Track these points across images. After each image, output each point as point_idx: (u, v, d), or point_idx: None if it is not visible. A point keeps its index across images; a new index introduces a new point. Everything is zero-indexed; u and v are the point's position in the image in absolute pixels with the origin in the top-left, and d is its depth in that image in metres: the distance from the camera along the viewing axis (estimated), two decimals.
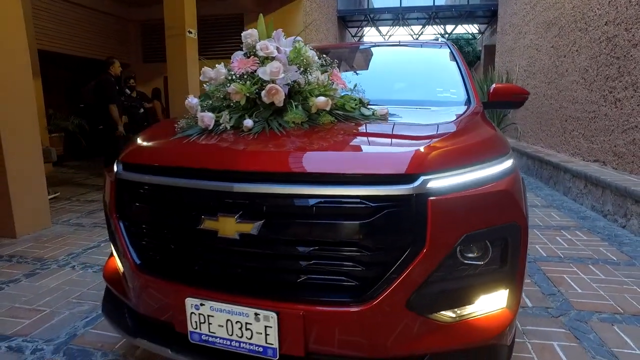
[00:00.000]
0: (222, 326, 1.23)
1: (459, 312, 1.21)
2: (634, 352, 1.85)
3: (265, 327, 1.18)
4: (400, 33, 17.20)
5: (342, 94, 1.58)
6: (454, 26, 15.84)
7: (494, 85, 2.24)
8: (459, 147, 1.29)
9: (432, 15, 14.96)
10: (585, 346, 1.88)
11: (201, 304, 1.24)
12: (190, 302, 1.25)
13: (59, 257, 3.09)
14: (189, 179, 1.27)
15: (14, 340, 1.98)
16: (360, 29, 16.41)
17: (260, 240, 1.18)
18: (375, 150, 1.30)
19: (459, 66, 2.44)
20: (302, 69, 1.54)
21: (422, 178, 1.14)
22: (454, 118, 1.69)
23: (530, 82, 7.97)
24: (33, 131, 3.81)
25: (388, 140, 1.41)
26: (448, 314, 1.20)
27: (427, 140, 1.28)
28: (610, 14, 4.83)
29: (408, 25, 15.80)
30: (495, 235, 1.20)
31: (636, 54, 4.24)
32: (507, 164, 1.31)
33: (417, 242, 1.12)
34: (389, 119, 1.57)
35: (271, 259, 1.23)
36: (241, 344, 1.22)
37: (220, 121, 1.44)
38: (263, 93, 1.42)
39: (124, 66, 7.82)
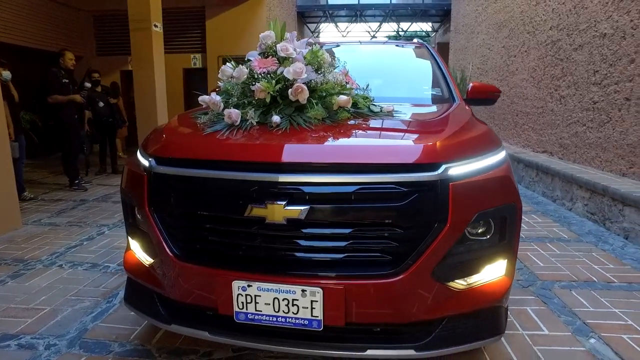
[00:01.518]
0: (269, 304, 1.36)
1: (468, 280, 1.41)
2: (588, 309, 2.20)
3: (312, 301, 1.32)
4: (358, 29, 17.59)
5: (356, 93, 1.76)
6: (409, 24, 16.43)
7: (471, 84, 2.51)
8: (468, 140, 1.53)
9: (388, 13, 15.44)
10: (552, 309, 2.21)
11: (248, 286, 1.36)
12: (237, 285, 1.36)
13: (41, 257, 3.03)
14: (235, 171, 1.37)
15: (22, 338, 1.99)
16: (318, 24, 16.58)
17: (306, 224, 1.33)
18: (403, 143, 1.48)
19: (439, 65, 2.70)
20: (315, 68, 1.70)
21: (444, 166, 1.34)
22: (456, 115, 1.91)
23: (483, 79, 8.55)
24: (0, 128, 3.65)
25: (409, 133, 1.61)
26: (461, 282, 1.40)
27: (443, 134, 1.50)
28: (554, 20, 5.35)
29: (365, 22, 16.20)
30: (498, 214, 1.41)
31: (577, 57, 4.76)
32: (503, 153, 1.56)
33: (441, 220, 1.31)
34: (395, 115, 1.77)
35: (316, 240, 1.36)
36: (287, 319, 1.36)
37: (247, 117, 1.56)
38: (290, 91, 1.56)
39: (77, 59, 7.46)
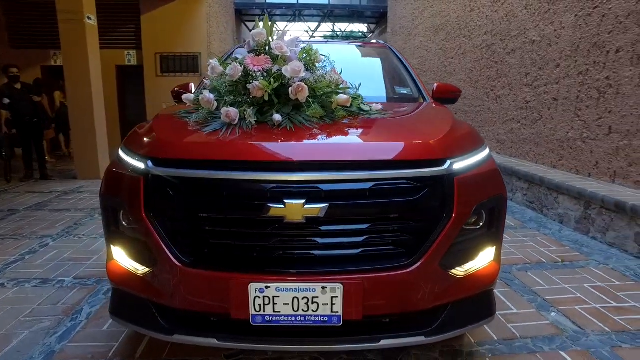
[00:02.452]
0: (288, 304, 1.34)
1: (466, 267, 1.49)
2: (545, 287, 2.45)
3: (332, 297, 1.33)
4: (297, 29, 17.64)
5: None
6: (347, 24, 16.84)
7: (436, 84, 2.66)
8: (463, 136, 1.64)
9: (327, 13, 15.68)
10: (515, 289, 2.43)
11: (266, 287, 1.33)
12: (254, 287, 1.33)
13: None
14: (251, 171, 1.34)
15: None
16: (256, 23, 16.35)
17: (325, 221, 1.34)
18: (413, 140, 1.52)
19: (405, 65, 2.82)
20: (308, 67, 1.70)
21: (449, 161, 1.43)
22: (443, 113, 2.02)
23: (422, 79, 9.02)
24: None
25: (411, 131, 1.68)
26: (460, 270, 1.48)
27: (444, 131, 1.59)
28: (488, 26, 5.82)
29: (304, 21, 16.31)
30: (489, 205, 1.51)
31: (510, 60, 5.22)
32: (487, 149, 1.69)
33: (448, 212, 1.39)
34: (385, 113, 1.83)
35: (334, 237, 1.38)
36: (306, 317, 1.35)
37: (245, 116, 1.52)
38: (291, 90, 1.55)
39: None
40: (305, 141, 1.44)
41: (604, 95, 3.61)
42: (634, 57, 3.31)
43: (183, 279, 1.38)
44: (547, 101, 4.45)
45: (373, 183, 1.35)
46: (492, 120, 5.75)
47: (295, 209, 1.30)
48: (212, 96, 1.62)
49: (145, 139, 1.59)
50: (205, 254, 1.42)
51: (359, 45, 3.34)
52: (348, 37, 19.72)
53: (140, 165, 1.46)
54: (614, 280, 2.55)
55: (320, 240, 1.37)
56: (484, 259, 1.55)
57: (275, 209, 1.31)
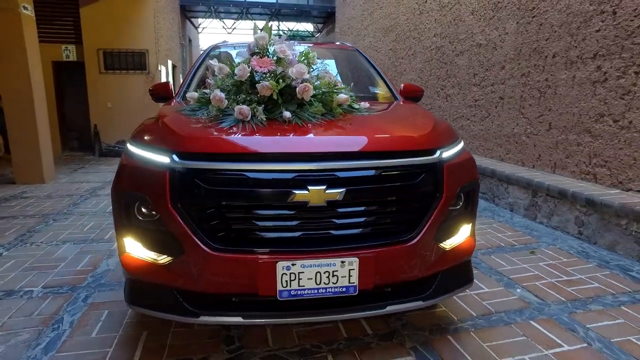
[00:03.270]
0: (311, 278, 1.50)
1: (451, 241, 1.74)
2: (507, 268, 2.72)
3: (349, 270, 1.51)
4: (244, 27, 17.38)
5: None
6: (294, 23, 16.90)
7: (402, 84, 2.85)
8: (444, 130, 1.89)
9: (274, 12, 15.63)
10: (483, 271, 2.68)
11: (292, 265, 1.48)
12: (281, 265, 1.47)
13: None
14: (278, 162, 1.50)
15: None
16: (203, 20, 15.91)
17: (342, 204, 1.52)
18: (412, 133, 1.75)
19: (374, 66, 2.98)
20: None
21: (439, 151, 1.67)
22: (424, 110, 2.26)
23: None
24: None
25: (405, 125, 1.92)
26: (447, 243, 1.72)
27: (430, 125, 1.83)
28: (437, 29, 6.20)
29: (252, 19, 16.12)
30: (468, 188, 1.77)
31: (459, 62, 5.62)
32: (462, 141, 1.94)
33: (439, 194, 1.63)
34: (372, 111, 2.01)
35: (350, 217, 1.56)
36: (327, 289, 1.53)
37: (256, 113, 1.65)
38: (298, 89, 1.71)
39: None
40: (322, 135, 1.64)
41: (544, 95, 4.03)
42: (567, 62, 3.73)
43: (213, 263, 1.49)
44: (494, 100, 4.86)
45: (381, 170, 1.57)
46: (443, 117, 6.14)
47: (318, 194, 1.47)
48: (223, 95, 1.73)
49: (164, 135, 1.66)
50: (234, 239, 1.53)
51: (330, 48, 3.45)
52: (294, 36, 19.80)
53: (164, 159, 1.54)
54: (562, 258, 2.90)
55: (337, 221, 1.55)
56: (463, 234, 1.81)
57: (301, 194, 1.47)
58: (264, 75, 1.72)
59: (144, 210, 1.58)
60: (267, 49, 1.81)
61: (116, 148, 8.47)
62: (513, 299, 2.31)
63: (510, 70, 4.53)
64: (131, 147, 1.71)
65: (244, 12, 15.70)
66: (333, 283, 1.52)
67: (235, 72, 1.75)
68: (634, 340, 1.93)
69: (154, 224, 1.55)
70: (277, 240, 1.54)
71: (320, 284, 1.51)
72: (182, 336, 1.95)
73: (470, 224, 1.85)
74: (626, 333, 1.98)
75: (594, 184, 3.48)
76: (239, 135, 1.59)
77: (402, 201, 1.62)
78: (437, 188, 1.63)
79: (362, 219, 1.58)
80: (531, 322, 2.07)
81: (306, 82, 1.73)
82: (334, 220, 1.55)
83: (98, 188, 5.43)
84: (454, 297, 2.30)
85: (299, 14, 15.86)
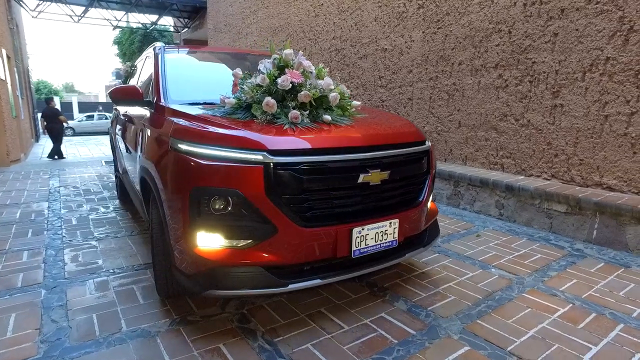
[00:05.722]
0: (372, 238, 2.04)
1: (429, 205, 2.45)
2: (470, 252, 3.07)
3: (394, 229, 2.12)
4: (96, 16, 14.95)
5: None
6: (156, 16, 15.29)
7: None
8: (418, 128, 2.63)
9: (132, 2, 13.90)
10: (455, 258, 2.96)
11: (362, 229, 1.99)
12: (355, 230, 1.97)
13: None
14: (350, 153, 1.96)
15: None
16: (42, 3, 13.06)
17: (388, 181, 2.09)
18: (412, 130, 2.44)
19: None
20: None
21: (427, 142, 2.43)
22: (390, 114, 3.00)
23: None
24: None
25: (402, 125, 2.51)
26: (429, 206, 2.44)
27: (414, 125, 2.56)
28: (336, 32, 6.47)
29: (104, 7, 13.94)
30: (434, 167, 2.51)
31: (363, 64, 5.99)
32: None
33: (429, 171, 2.41)
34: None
35: (391, 190, 2.15)
36: (382, 244, 2.09)
37: (303, 118, 2.05)
38: (331, 98, 2.20)
39: None
40: (366, 132, 2.12)
41: (453, 97, 4.64)
42: (472, 69, 4.38)
43: (304, 237, 1.87)
44: (402, 100, 5.35)
45: (404, 156, 2.20)
46: None
47: (376, 175, 2.02)
48: (273, 101, 2.05)
49: (249, 137, 1.89)
50: (316, 216, 1.92)
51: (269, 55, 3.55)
52: (150, 32, 18.02)
53: (258, 157, 1.80)
54: (501, 237, 3.41)
55: (384, 194, 2.12)
56: (430, 200, 2.50)
57: (365, 176, 1.99)
58: (305, 85, 2.15)
59: (232, 202, 1.80)
60: (292, 63, 2.19)
61: None
62: (496, 278, 2.63)
63: (418, 74, 5.06)
64: (204, 150, 1.86)
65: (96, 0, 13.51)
66: (384, 239, 2.09)
67: (279, 82, 2.08)
68: (593, 293, 2.42)
69: (244, 212, 1.80)
70: (348, 213, 1.99)
71: (377, 241, 2.06)
72: None
73: (432, 193, 2.54)
74: (585, 289, 2.47)
75: (502, 173, 4.18)
76: (312, 135, 1.96)
77: (415, 176, 2.29)
78: (428, 167, 2.40)
79: (397, 191, 2.18)
80: (524, 295, 2.40)
81: (331, 91, 2.21)
82: (382, 194, 2.10)
83: None
84: (455, 285, 2.51)
85: (159, 7, 14.45)
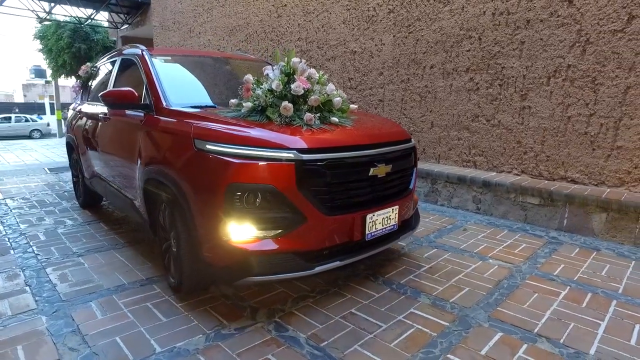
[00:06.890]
0: (380, 223, 2.36)
1: (414, 193, 2.82)
2: (463, 245, 3.27)
3: (395, 214, 2.46)
4: (17, 5, 13.39)
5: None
6: (93, 11, 14.09)
7: None
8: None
9: None
10: (453, 252, 3.13)
11: (373, 215, 2.30)
12: (369, 216, 2.28)
13: None
14: (364, 149, 2.25)
15: None
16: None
17: (390, 174, 2.41)
18: (401, 129, 2.79)
19: None
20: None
21: (412, 140, 2.75)
22: (376, 116, 3.50)
23: None
24: None
25: (392, 125, 2.89)
26: (414, 195, 2.80)
27: (399, 125, 2.96)
28: (301, 33, 6.48)
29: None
30: (415, 162, 2.82)
31: (331, 66, 6.06)
32: None
33: (414, 165, 2.76)
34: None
35: (390, 182, 2.46)
36: (386, 228, 2.42)
37: (314, 119, 2.28)
38: (335, 102, 2.45)
39: None
40: (371, 131, 2.51)
41: (425, 98, 4.88)
42: (444, 72, 4.64)
43: (328, 224, 2.12)
44: (373, 102, 5.51)
45: (400, 151, 2.53)
46: None
47: (382, 168, 2.33)
48: (290, 105, 2.26)
49: (280, 138, 2.08)
50: (337, 206, 2.17)
51: (250, 61, 3.84)
52: (83, 27, 16.65)
53: (289, 155, 2.00)
54: (485, 230, 3.67)
55: (387, 185, 2.44)
56: (412, 188, 2.80)
57: (375, 169, 2.29)
58: (313, 91, 2.36)
59: (267, 196, 2.00)
60: (298, 71, 2.38)
61: None
62: (496, 268, 2.84)
63: (390, 77, 5.24)
64: (238, 150, 2.02)
65: None
66: (387, 224, 2.41)
67: (292, 87, 2.28)
68: (582, 275, 2.72)
69: (278, 204, 2.01)
70: (361, 202, 2.28)
71: (384, 225, 2.39)
72: None
73: (415, 182, 2.92)
74: (574, 273, 2.76)
75: (475, 170, 4.49)
76: (330, 135, 2.22)
77: (406, 169, 2.63)
78: (414, 160, 2.76)
79: (396, 182, 2.52)
80: (527, 281, 2.62)
81: (335, 96, 2.46)
82: (386, 184, 2.42)
83: None
84: (464, 277, 2.67)
85: (95, 1, 13.38)
